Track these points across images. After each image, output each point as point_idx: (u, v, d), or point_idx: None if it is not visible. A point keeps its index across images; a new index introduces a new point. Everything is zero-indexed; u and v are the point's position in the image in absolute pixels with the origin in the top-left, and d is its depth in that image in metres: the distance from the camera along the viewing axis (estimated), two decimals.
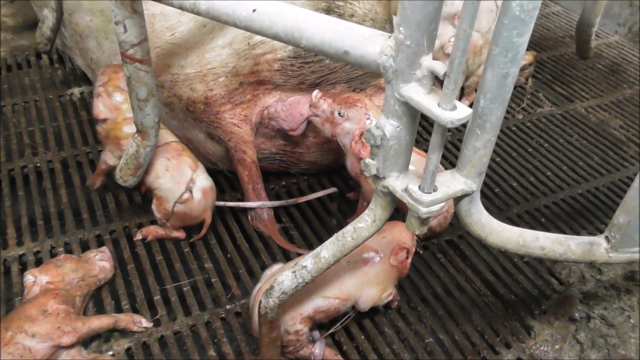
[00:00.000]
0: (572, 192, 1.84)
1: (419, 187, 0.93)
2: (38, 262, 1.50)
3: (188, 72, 1.54)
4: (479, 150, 0.91)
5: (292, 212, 1.70)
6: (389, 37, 0.85)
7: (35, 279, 1.31)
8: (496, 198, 1.80)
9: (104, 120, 1.50)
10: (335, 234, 1.07)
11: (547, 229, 1.69)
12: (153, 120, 1.35)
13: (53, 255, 1.52)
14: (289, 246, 1.59)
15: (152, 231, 1.57)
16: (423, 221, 0.96)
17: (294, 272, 1.07)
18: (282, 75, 1.54)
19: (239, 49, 1.52)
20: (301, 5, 1.53)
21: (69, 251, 1.54)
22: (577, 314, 1.39)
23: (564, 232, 1.68)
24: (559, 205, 1.78)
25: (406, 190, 0.94)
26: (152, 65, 1.55)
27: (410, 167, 1.52)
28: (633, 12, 2.92)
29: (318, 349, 1.26)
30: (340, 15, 1.57)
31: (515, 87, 2.32)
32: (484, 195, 1.80)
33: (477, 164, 0.93)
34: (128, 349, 1.31)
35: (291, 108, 1.56)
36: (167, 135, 1.53)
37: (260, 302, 1.12)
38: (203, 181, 1.51)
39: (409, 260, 1.34)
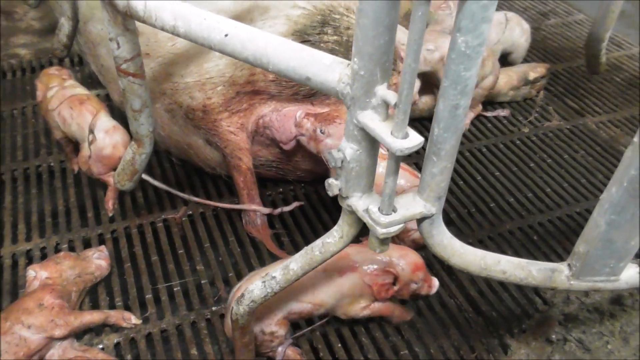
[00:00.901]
0: (569, 211, 1.83)
1: (379, 209, 0.97)
2: (43, 258, 1.59)
3: (188, 81, 1.61)
4: (436, 176, 0.93)
5: (285, 219, 1.75)
6: (347, 66, 0.88)
7: (36, 274, 1.40)
8: (490, 213, 1.80)
9: (40, 102, 1.84)
10: (304, 247, 1.12)
11: (538, 248, 1.69)
12: (147, 130, 1.42)
13: (57, 251, 1.62)
14: (279, 252, 1.64)
15: (110, 196, 1.74)
16: (382, 241, 0.99)
17: (264, 282, 1.12)
18: (276, 86, 1.59)
19: (236, 60, 1.58)
20: (297, 18, 1.58)
21: (72, 248, 1.63)
22: (554, 336, 1.40)
23: (555, 252, 1.68)
24: (554, 224, 1.78)
25: (367, 210, 0.98)
26: (155, 73, 1.63)
27: (401, 181, 1.56)
28: None
29: (281, 347, 1.31)
30: (336, 28, 1.61)
31: (525, 100, 2.32)
32: (478, 209, 1.82)
33: (435, 189, 0.95)
34: (117, 344, 1.39)
35: (285, 119, 1.61)
36: (74, 90, 1.79)
37: (232, 308, 1.17)
38: (104, 123, 1.69)
39: (395, 289, 1.35)
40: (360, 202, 0.99)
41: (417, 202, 0.98)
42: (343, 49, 1.63)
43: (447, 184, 0.96)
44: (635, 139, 0.83)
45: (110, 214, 1.73)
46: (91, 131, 1.64)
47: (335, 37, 1.62)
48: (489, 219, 1.78)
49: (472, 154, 2.05)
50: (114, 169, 1.65)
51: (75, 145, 1.85)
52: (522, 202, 1.85)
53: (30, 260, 1.59)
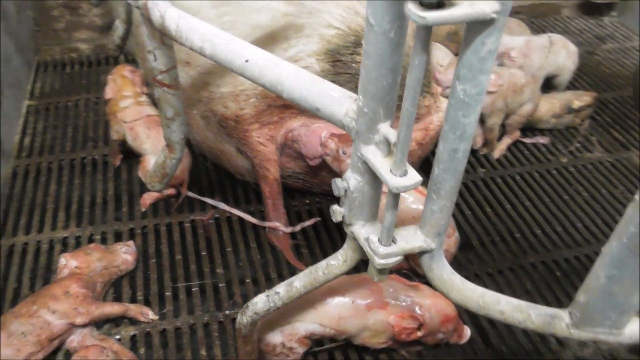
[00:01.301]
0: (598, 249, 1.77)
1: (379, 239, 0.99)
2: (77, 246, 1.70)
3: (223, 91, 1.67)
4: (436, 213, 0.95)
5: (307, 231, 1.79)
6: (354, 100, 0.91)
7: (66, 263, 1.50)
8: (514, 243, 1.78)
9: (109, 100, 1.96)
10: (309, 267, 1.15)
11: (560, 284, 1.66)
12: (179, 137, 1.49)
13: (91, 241, 1.72)
14: (297, 263, 1.68)
15: (147, 197, 1.84)
16: (380, 271, 1.01)
17: (268, 296, 1.16)
18: None
19: None
20: (330, 37, 1.61)
21: (104, 239, 1.73)
22: None
23: (576, 289, 1.64)
24: (580, 261, 1.74)
25: (367, 239, 1.00)
26: (194, 81, 1.71)
27: (414, 206, 1.57)
28: None
29: None
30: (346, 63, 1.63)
31: (567, 128, 2.26)
32: (502, 239, 1.79)
33: (435, 226, 0.97)
34: (133, 336, 1.47)
35: (312, 135, 1.64)
36: (149, 109, 1.91)
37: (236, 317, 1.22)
38: None
39: (418, 334, 1.35)
40: (362, 230, 1.02)
41: (418, 236, 1.00)
42: None
43: (446, 222, 0.97)
44: (636, 196, 0.81)
45: (144, 210, 1.82)
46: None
47: None
48: (512, 250, 1.76)
49: (505, 181, 2.02)
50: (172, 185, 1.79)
51: (124, 146, 1.95)
52: (549, 235, 1.81)
53: (65, 248, 1.70)
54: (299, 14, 1.60)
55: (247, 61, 1.03)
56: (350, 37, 1.62)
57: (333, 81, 1.64)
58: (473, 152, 2.12)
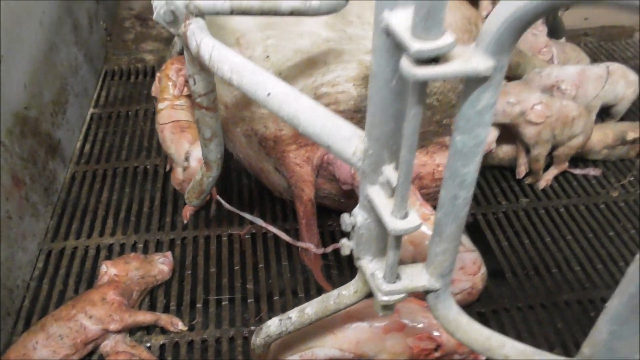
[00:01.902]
0: None
1: (383, 275, 1.00)
2: (121, 253, 1.81)
3: (263, 112, 1.73)
4: (439, 255, 0.95)
5: (338, 252, 1.81)
6: (363, 141, 0.93)
7: (107, 270, 1.60)
8: (550, 278, 1.72)
9: (154, 97, 2.17)
10: (322, 294, 1.18)
11: (590, 325, 1.59)
12: (216, 156, 1.56)
13: (134, 249, 1.83)
14: (325, 284, 1.71)
15: (188, 209, 1.91)
16: (384, 307, 1.03)
17: (280, 320, 1.20)
18: None
19: None
20: (369, 63, 1.63)
21: (146, 247, 1.83)
22: None
23: None
24: None
25: (373, 274, 1.02)
26: (238, 100, 1.78)
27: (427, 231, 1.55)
28: None
29: None
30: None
31: (621, 160, 2.17)
32: (538, 273, 1.74)
33: (439, 267, 0.97)
34: (162, 345, 1.55)
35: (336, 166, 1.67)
36: (180, 113, 1.99)
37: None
38: (198, 153, 1.80)
39: (435, 355, 1.36)
40: (369, 266, 1.04)
41: (423, 275, 1.00)
42: None
43: (450, 264, 0.97)
44: (637, 256, 0.79)
45: (185, 221, 1.91)
46: (186, 159, 1.83)
47: None
48: (547, 285, 1.71)
49: (548, 212, 1.96)
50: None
51: None
52: (588, 272, 1.74)
53: (110, 254, 1.81)
54: (340, 40, 1.63)
55: (269, 95, 1.08)
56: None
57: (365, 108, 1.66)
58: (518, 180, 2.07)
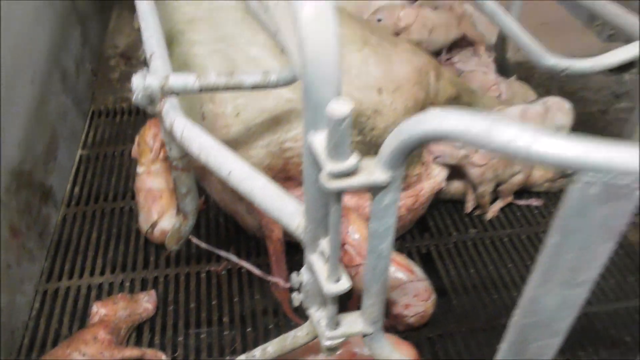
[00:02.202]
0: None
1: (326, 324, 1.22)
2: (110, 292, 2.01)
3: None
4: (369, 307, 1.17)
5: None
6: (304, 217, 1.15)
7: (97, 310, 1.80)
8: (491, 304, 1.95)
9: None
10: (282, 334, 1.40)
11: None
12: (191, 208, 1.77)
13: (122, 287, 2.03)
14: (292, 316, 1.92)
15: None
16: (328, 349, 1.25)
17: (247, 357, 1.42)
18: None
19: (273, 151, 1.89)
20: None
21: (133, 286, 2.04)
22: None
23: None
24: None
25: (318, 322, 1.24)
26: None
27: (401, 275, 1.77)
28: None
29: None
30: (362, 130, 1.86)
31: (562, 191, 2.40)
32: (481, 300, 1.97)
33: (370, 316, 1.19)
34: None
35: None
36: (154, 180, 2.13)
37: None
38: (164, 224, 2.02)
39: None
40: (316, 314, 1.26)
41: (359, 322, 1.22)
42: (366, 147, 1.88)
43: (379, 314, 1.19)
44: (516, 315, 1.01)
45: (173, 248, 2.12)
46: (152, 227, 2.04)
47: (360, 137, 1.88)
48: (489, 311, 1.94)
49: (493, 242, 2.19)
50: None
51: None
52: None
53: (100, 293, 2.01)
54: (300, 100, 1.85)
55: (229, 173, 1.29)
56: None
57: None
58: (468, 212, 2.30)
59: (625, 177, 0.76)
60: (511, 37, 1.96)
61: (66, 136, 2.54)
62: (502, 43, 2.71)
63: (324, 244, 1.12)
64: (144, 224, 2.12)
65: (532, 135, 0.76)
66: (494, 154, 2.09)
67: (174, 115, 1.46)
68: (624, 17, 1.78)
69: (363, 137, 1.87)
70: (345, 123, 0.85)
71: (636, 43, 1.76)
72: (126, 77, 3.21)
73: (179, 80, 1.48)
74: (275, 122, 1.89)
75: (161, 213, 2.09)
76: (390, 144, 0.92)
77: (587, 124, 2.66)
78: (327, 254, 1.10)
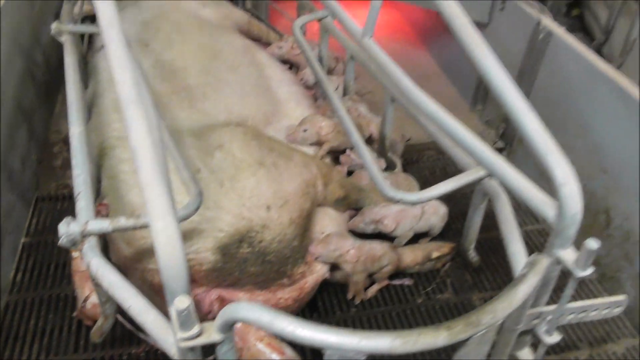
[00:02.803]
0: None
1: None
2: None
3: (152, 267, 2.38)
4: None
5: None
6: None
7: None
8: None
9: None
10: None
11: None
12: (111, 312, 2.21)
13: None
14: None
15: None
16: None
17: None
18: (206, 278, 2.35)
19: None
20: (221, 238, 2.32)
21: None
22: None
23: None
24: None
25: None
26: (132, 256, 2.43)
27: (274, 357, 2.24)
28: None
29: None
30: (251, 243, 2.34)
31: (431, 271, 2.93)
32: None
33: None
34: None
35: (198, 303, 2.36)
36: (82, 264, 2.45)
37: None
38: (95, 299, 2.38)
39: None
40: None
41: None
42: (254, 256, 2.36)
43: None
44: None
45: (96, 341, 2.54)
46: (85, 301, 2.45)
47: (249, 249, 2.36)
48: None
49: (369, 319, 2.70)
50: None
51: None
52: None
53: None
54: (201, 221, 2.32)
55: (129, 307, 1.75)
56: (236, 237, 2.34)
57: (222, 268, 2.34)
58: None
59: (352, 353, 1.28)
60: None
61: (11, 230, 2.92)
62: (382, 143, 3.23)
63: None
64: (79, 301, 2.52)
65: (294, 326, 1.26)
66: (363, 254, 2.60)
67: (91, 255, 1.91)
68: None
69: (252, 249, 2.35)
70: (186, 314, 1.33)
71: (460, 176, 2.30)
72: (68, 164, 3.57)
73: (96, 225, 1.93)
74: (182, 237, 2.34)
75: (92, 289, 2.50)
76: (221, 317, 1.40)
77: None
78: None
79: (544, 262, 1.49)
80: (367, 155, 2.49)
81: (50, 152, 3.66)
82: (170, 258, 1.36)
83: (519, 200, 1.77)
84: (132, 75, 1.49)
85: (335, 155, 3.24)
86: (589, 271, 1.52)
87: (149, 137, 1.43)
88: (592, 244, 1.47)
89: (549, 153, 1.55)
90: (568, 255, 1.56)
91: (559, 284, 1.68)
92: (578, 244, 1.55)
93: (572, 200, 1.51)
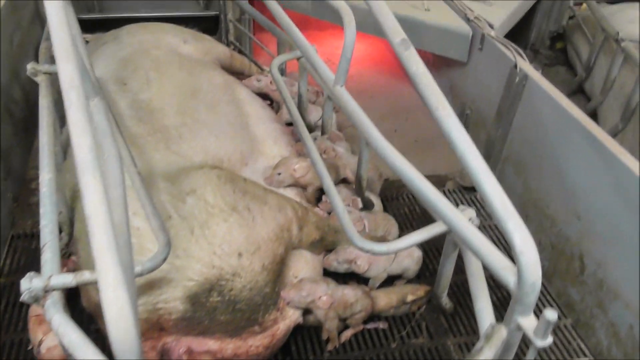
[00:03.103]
0: None
1: None
2: None
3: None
4: None
5: None
6: None
7: None
8: None
9: None
10: None
11: None
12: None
13: None
14: None
15: None
16: None
17: None
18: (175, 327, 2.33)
19: (149, 308, 2.32)
20: (190, 287, 2.30)
21: None
22: None
23: None
24: None
25: None
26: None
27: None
28: None
29: None
30: (220, 291, 2.32)
31: (407, 314, 2.93)
32: None
33: None
34: None
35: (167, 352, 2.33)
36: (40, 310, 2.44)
37: None
38: (49, 342, 2.35)
39: None
40: None
41: None
42: (224, 306, 2.34)
43: None
44: None
45: None
46: (39, 345, 2.43)
47: (219, 298, 2.34)
48: None
49: None
50: None
51: None
52: None
53: None
54: (170, 270, 2.30)
55: None
56: (206, 286, 2.32)
57: (191, 317, 2.32)
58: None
59: None
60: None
61: None
62: (359, 183, 3.23)
63: None
64: (34, 346, 2.49)
65: None
66: (335, 300, 2.59)
67: (53, 312, 1.88)
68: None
69: (222, 298, 2.34)
70: None
71: (430, 227, 2.30)
72: None
73: (59, 280, 1.91)
74: (150, 286, 2.32)
75: (45, 333, 2.47)
76: None
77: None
78: None
79: (502, 332, 1.48)
80: (338, 202, 2.49)
81: (28, 189, 3.64)
82: (123, 342, 1.34)
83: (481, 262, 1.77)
84: (90, 142, 1.49)
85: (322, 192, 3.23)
86: (548, 341, 1.51)
87: (103, 206, 1.42)
88: (551, 314, 1.46)
89: (508, 219, 1.55)
90: (528, 322, 1.56)
91: None
92: (554, 288, 1.54)
93: (532, 268, 1.51)
